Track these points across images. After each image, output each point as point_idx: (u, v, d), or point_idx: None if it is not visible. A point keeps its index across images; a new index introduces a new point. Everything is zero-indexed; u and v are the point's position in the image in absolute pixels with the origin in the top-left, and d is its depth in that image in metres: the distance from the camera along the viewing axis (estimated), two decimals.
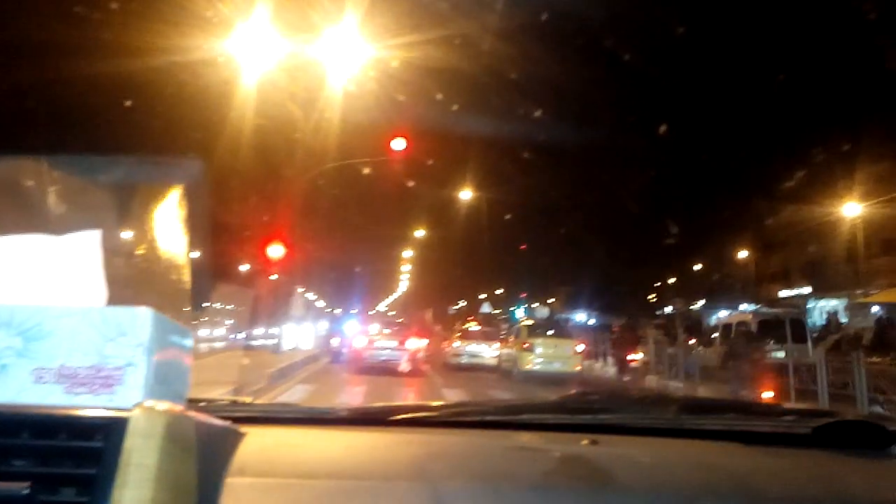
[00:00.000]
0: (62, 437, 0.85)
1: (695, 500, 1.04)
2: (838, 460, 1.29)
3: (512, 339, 19.75)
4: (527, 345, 18.26)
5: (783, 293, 35.06)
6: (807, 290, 33.27)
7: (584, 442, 1.36)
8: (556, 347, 18.28)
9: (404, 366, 17.79)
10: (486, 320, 33.00)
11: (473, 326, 25.53)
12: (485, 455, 1.25)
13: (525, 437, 1.42)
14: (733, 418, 1.66)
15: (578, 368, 18.34)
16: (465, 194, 26.37)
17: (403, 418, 1.58)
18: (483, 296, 48.65)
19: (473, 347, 21.33)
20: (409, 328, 20.81)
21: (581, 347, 18.96)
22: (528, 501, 1.02)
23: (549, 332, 19.24)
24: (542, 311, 32.50)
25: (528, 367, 17.89)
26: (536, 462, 1.17)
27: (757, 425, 1.59)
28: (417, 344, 19.16)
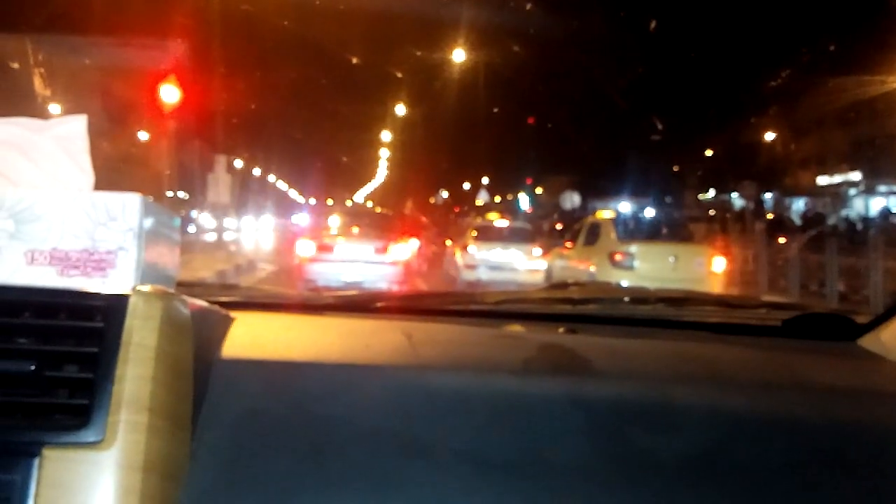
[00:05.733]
0: (62, 318, 0.87)
1: (667, 387, 1.09)
2: (806, 351, 1.35)
3: (573, 243, 12.23)
4: (619, 255, 10.66)
5: (822, 180, 29.60)
6: (854, 176, 28.28)
7: (561, 330, 1.41)
8: (676, 259, 10.47)
9: (389, 286, 10.65)
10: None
11: (497, 220, 16.60)
12: (469, 342, 1.29)
13: (508, 327, 1.46)
14: (708, 311, 1.73)
15: None
16: (457, 55, 21.16)
17: (389, 305, 1.62)
18: (485, 181, 37.19)
19: (499, 254, 13.57)
20: (393, 222, 13.54)
21: (721, 262, 10.94)
22: (509, 386, 1.07)
23: (655, 233, 11.82)
24: (572, 198, 20.60)
25: None
26: (518, 350, 1.21)
27: (730, 317, 1.65)
28: (408, 249, 11.94)
